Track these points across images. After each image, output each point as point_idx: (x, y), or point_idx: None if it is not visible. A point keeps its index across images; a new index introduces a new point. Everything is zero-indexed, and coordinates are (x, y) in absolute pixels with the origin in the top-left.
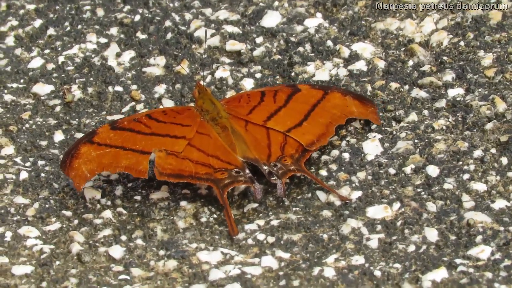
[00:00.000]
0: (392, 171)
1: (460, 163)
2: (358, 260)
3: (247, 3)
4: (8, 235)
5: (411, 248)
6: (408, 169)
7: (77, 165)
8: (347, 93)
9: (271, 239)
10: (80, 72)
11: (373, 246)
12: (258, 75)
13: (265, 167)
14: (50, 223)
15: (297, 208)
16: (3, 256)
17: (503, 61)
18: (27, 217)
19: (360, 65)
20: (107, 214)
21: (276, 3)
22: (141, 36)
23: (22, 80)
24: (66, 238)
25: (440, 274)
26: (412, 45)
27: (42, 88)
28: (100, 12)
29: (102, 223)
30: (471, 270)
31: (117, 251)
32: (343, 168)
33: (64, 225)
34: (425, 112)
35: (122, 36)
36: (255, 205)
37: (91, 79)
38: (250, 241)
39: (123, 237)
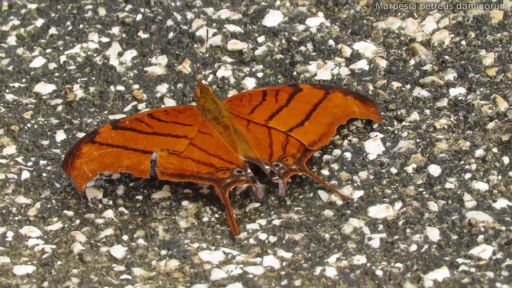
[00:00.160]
0: (394, 170)
1: (462, 162)
2: (360, 259)
3: (249, 2)
4: (10, 235)
5: (413, 247)
6: (409, 169)
7: (79, 165)
8: (349, 92)
9: (273, 239)
10: (82, 72)
11: (374, 245)
12: (260, 75)
13: (267, 167)
14: (51, 223)
15: (299, 208)
16: (5, 256)
17: (505, 60)
18: (29, 217)
19: (362, 65)
20: (109, 213)
21: (278, 2)
22: (143, 35)
23: (24, 80)
24: (67, 238)
25: (442, 273)
26: (413, 45)
27: (44, 88)
28: (102, 11)
29: (103, 223)
30: (472, 269)
31: (118, 251)
32: (345, 168)
33: (66, 225)
34: (427, 111)
35: (124, 35)
36: (257, 204)
37: (93, 78)
38: (252, 240)
39: (125, 237)
